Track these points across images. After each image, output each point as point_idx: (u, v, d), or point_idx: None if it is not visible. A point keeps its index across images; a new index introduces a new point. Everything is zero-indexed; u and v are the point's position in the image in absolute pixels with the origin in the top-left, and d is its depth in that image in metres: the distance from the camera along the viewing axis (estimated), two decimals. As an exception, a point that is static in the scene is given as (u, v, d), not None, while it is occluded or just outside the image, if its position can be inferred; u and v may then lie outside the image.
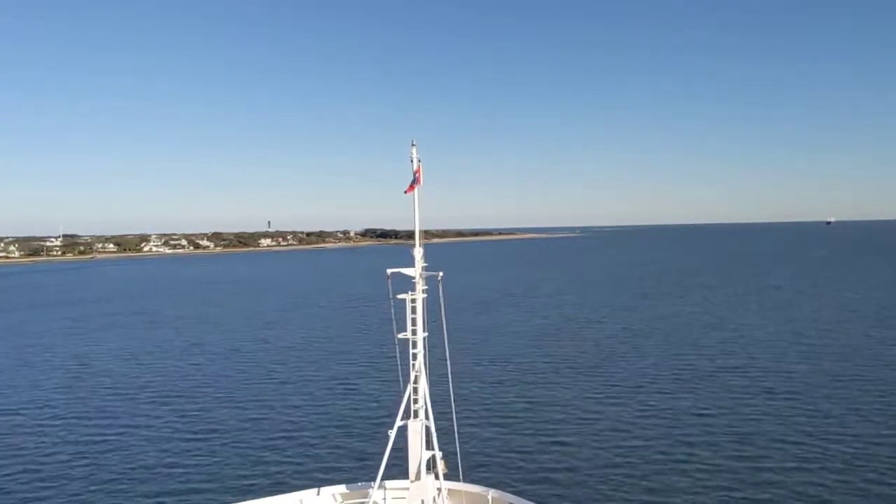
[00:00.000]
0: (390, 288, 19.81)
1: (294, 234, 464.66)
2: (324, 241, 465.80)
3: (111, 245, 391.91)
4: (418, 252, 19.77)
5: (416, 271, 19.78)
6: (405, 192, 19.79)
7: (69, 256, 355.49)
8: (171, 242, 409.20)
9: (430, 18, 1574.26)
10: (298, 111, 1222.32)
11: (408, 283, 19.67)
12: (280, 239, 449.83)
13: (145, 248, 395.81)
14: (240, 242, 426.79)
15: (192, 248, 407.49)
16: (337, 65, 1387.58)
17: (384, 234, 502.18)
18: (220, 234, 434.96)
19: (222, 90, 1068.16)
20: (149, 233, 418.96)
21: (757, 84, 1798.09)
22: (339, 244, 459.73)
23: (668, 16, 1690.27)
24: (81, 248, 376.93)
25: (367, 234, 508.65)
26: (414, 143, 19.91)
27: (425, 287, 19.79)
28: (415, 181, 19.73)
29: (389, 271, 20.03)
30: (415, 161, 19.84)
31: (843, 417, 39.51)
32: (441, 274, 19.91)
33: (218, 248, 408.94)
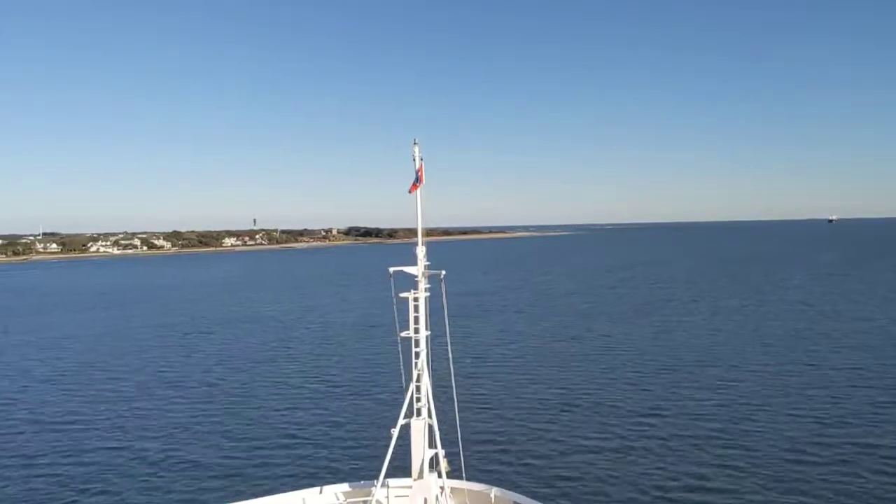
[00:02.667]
0: (393, 286, 22.21)
1: (266, 232, 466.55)
2: (296, 241, 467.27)
3: (54, 245, 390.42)
4: (421, 251, 22.15)
5: (418, 270, 22.21)
6: (409, 191, 22.30)
7: (1, 258, 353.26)
8: (122, 242, 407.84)
9: (428, 17, 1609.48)
10: (294, 109, 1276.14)
11: (410, 282, 22.16)
12: (246, 238, 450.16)
13: (92, 249, 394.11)
14: (200, 242, 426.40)
15: (145, 248, 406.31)
16: (333, 62, 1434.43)
17: (366, 233, 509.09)
18: (179, 232, 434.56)
19: (222, 90, 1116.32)
20: (133, 231, 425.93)
21: (757, 81, 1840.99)
22: (312, 244, 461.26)
23: (668, 13, 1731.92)
24: (19, 248, 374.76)
25: (350, 232, 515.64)
26: (416, 141, 22.33)
27: (428, 285, 22.22)
28: (417, 180, 22.23)
29: (392, 270, 22.53)
30: (417, 160, 22.30)
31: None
32: (444, 272, 22.39)
33: (174, 249, 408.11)
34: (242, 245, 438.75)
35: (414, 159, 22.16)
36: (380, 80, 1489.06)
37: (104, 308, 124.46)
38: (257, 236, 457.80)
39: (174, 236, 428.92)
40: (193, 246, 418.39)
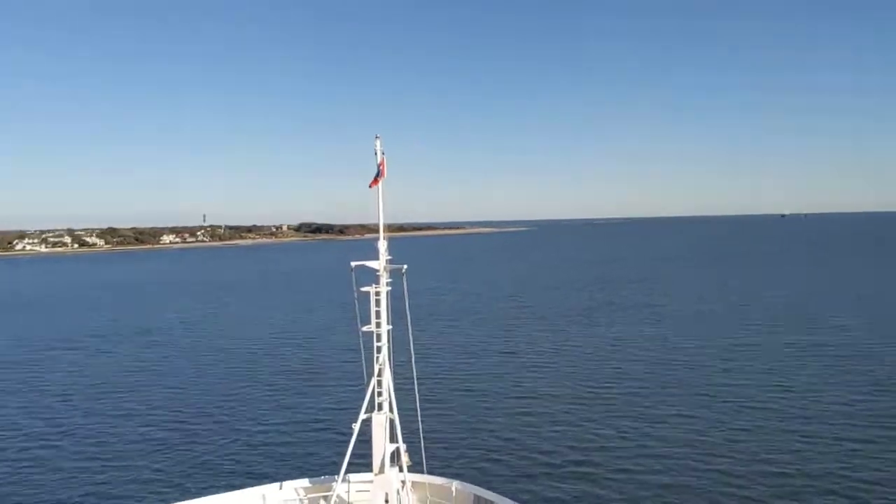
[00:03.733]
0: (354, 281, 22.93)
1: (210, 228, 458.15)
2: (241, 238, 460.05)
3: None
4: (382, 245, 22.96)
5: (380, 264, 23.01)
6: (369, 185, 23.07)
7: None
8: (51, 240, 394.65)
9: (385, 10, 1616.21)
10: (254, 105, 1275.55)
11: (371, 276, 22.92)
12: (186, 235, 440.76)
13: (17, 247, 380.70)
14: (136, 240, 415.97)
15: (76, 246, 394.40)
16: (292, 56, 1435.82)
17: (318, 229, 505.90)
18: (114, 229, 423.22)
19: (206, 86, 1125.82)
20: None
21: (706, 72, 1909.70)
22: (258, 241, 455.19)
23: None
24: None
25: (301, 228, 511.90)
26: (378, 136, 23.09)
27: (389, 280, 23.04)
28: (379, 174, 23.03)
29: (353, 264, 23.24)
30: (378, 154, 23.08)
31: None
32: (405, 267, 23.21)
33: (108, 247, 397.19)
34: (182, 242, 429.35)
35: (376, 153, 22.91)
36: (337, 78, 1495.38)
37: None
38: (199, 233, 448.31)
39: (109, 233, 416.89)
40: (129, 243, 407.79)
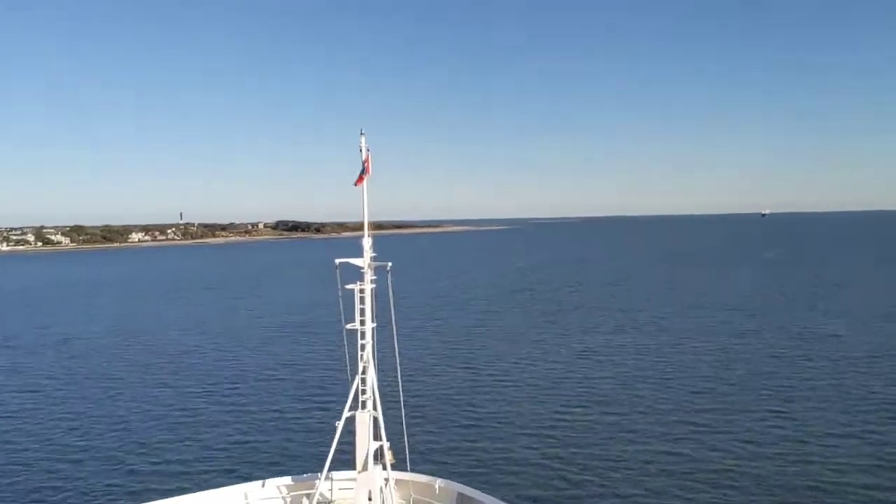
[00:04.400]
0: (339, 278, 23.18)
1: (183, 226, 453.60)
2: (213, 236, 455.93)
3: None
4: (367, 242, 23.23)
5: (364, 261, 23.29)
6: (354, 183, 23.30)
7: None
8: (13, 238, 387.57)
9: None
10: (238, 101, 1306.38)
11: (355, 274, 23.21)
12: (157, 233, 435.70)
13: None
14: (104, 238, 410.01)
15: (40, 244, 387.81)
16: (276, 52, 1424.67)
17: (294, 227, 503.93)
18: (81, 227, 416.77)
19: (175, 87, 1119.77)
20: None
21: (688, 75, 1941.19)
22: (231, 239, 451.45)
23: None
24: None
25: (278, 226, 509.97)
26: (363, 131, 23.29)
27: (374, 277, 23.34)
28: (363, 171, 23.27)
29: (338, 261, 23.50)
30: (363, 150, 23.30)
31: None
32: (390, 264, 23.54)
33: (73, 245, 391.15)
34: (152, 241, 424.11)
35: (360, 150, 23.10)
36: (318, 76, 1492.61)
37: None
38: (169, 231, 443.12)
39: (75, 231, 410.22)
40: (96, 242, 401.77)
